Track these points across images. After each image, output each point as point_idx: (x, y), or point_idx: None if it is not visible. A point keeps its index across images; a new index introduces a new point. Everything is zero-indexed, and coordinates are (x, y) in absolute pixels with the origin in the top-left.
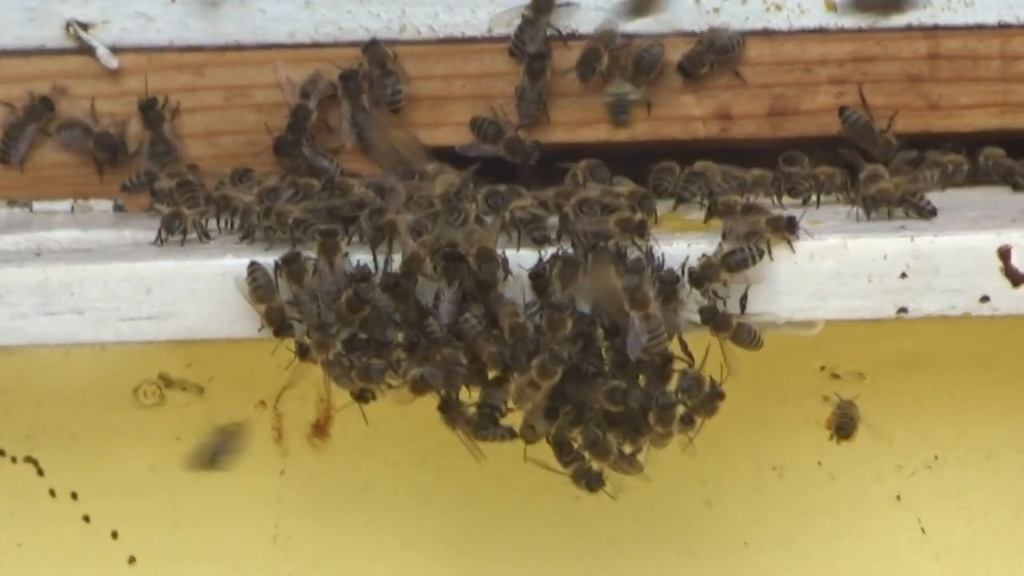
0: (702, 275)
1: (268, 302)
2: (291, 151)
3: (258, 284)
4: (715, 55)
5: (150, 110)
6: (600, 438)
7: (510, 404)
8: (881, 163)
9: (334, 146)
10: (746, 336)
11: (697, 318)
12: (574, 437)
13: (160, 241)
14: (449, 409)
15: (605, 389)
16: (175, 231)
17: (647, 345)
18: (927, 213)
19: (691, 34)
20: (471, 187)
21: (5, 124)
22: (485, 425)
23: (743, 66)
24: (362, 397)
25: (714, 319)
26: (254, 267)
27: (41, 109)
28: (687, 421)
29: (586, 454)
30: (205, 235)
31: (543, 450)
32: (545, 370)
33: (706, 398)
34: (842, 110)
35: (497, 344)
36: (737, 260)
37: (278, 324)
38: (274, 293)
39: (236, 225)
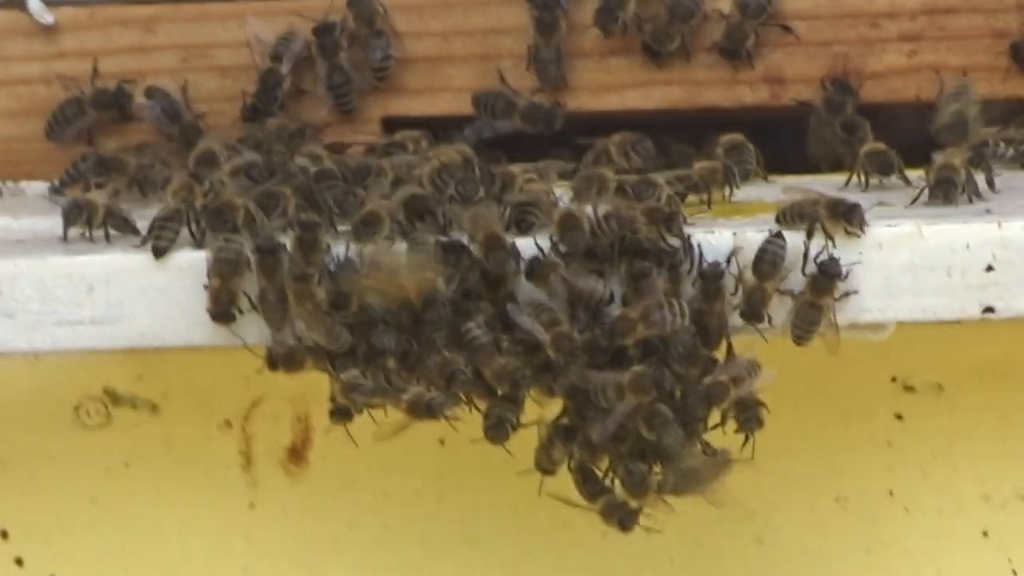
0: (753, 306)
1: (226, 280)
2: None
3: (223, 258)
4: (753, 19)
5: (326, 37)
6: (641, 473)
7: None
8: None
9: (310, 117)
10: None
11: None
12: (604, 469)
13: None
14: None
15: (644, 412)
16: (75, 223)
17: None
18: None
19: None
20: (474, 164)
21: (63, 101)
22: (498, 434)
23: (793, 20)
24: (342, 414)
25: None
26: (228, 240)
27: (111, 101)
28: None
29: (621, 489)
30: (130, 229)
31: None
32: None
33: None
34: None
35: (506, 357)
36: (767, 264)
37: (222, 308)
38: (238, 275)
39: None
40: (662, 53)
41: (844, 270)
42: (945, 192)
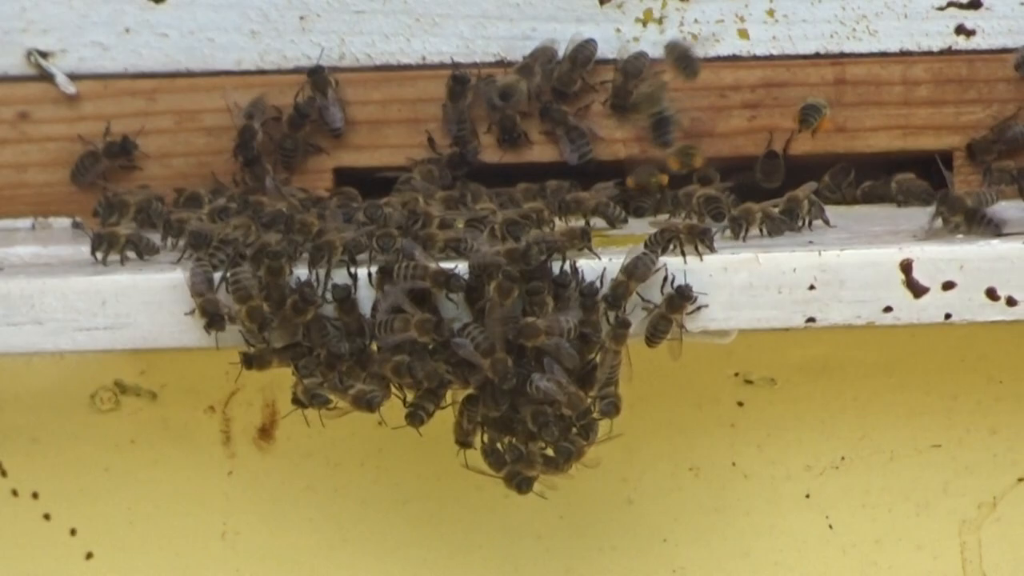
0: (615, 296)
1: (205, 295)
2: (256, 170)
3: (196, 279)
4: (631, 79)
5: (317, 75)
6: (525, 452)
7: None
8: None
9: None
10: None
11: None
12: (504, 449)
13: (96, 259)
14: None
15: (530, 411)
16: (100, 250)
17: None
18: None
19: (612, 61)
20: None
21: (82, 153)
22: (414, 420)
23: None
24: (301, 403)
25: (685, 294)
26: (198, 263)
27: (119, 151)
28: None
29: (516, 465)
30: (138, 254)
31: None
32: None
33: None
34: None
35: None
36: (640, 267)
37: (210, 316)
38: (211, 289)
39: (183, 246)
40: (569, 95)
41: (695, 295)
42: (788, 223)
